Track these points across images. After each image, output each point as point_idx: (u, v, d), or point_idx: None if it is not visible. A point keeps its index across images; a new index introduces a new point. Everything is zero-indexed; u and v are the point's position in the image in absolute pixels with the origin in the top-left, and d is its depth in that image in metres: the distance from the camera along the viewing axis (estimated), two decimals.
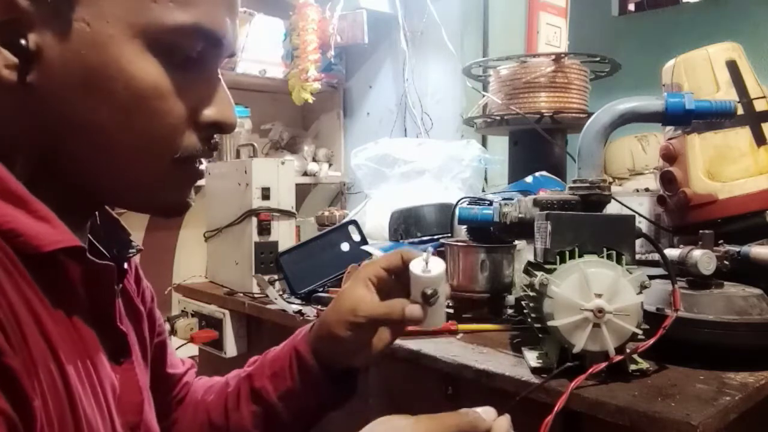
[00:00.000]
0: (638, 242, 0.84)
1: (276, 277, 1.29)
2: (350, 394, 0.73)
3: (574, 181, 0.83)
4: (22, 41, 0.44)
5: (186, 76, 0.49)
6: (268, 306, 1.22)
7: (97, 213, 0.59)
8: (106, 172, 0.50)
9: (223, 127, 0.52)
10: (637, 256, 0.83)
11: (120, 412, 0.54)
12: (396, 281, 0.68)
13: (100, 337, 0.53)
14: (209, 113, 0.51)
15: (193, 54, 0.49)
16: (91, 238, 0.57)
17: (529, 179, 1.33)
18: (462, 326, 0.97)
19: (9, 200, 0.45)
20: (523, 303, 0.87)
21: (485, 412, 0.55)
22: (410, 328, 0.73)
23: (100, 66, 0.46)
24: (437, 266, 0.66)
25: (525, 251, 1.06)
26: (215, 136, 0.53)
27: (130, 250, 0.61)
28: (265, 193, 1.35)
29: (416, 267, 0.66)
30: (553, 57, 1.43)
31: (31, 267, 0.45)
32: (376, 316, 0.67)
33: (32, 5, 0.44)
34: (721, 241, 0.87)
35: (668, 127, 1.08)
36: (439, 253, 1.16)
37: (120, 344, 0.56)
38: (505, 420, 0.56)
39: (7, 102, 0.46)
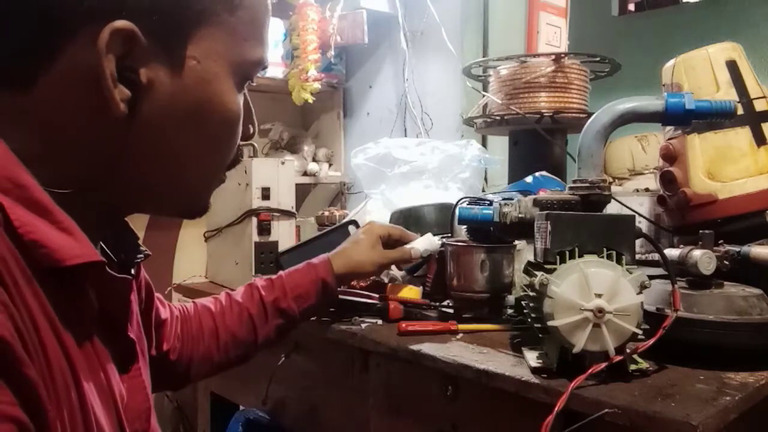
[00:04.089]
0: (638, 242, 0.84)
1: None
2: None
3: (574, 181, 0.83)
4: (134, 75, 0.47)
5: (242, 99, 0.55)
6: None
7: None
8: (168, 188, 0.53)
9: (251, 138, 0.60)
10: (637, 256, 0.83)
11: (129, 419, 0.54)
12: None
13: (111, 345, 0.53)
14: (248, 129, 0.58)
15: (252, 80, 0.56)
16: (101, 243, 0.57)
17: (529, 179, 1.33)
18: (462, 326, 0.97)
19: (33, 210, 0.44)
20: (523, 303, 0.87)
21: None
22: (410, 327, 0.95)
23: (206, 100, 0.50)
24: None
25: (525, 251, 1.06)
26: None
27: (138, 255, 0.61)
28: (265, 193, 1.35)
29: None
30: (553, 57, 1.43)
31: (51, 278, 0.44)
32: (395, 258, 1.03)
33: (149, 41, 0.46)
34: (721, 241, 0.87)
35: (668, 127, 1.08)
36: (439, 253, 1.16)
37: (128, 351, 0.57)
38: None
39: (104, 129, 0.47)
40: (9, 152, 0.45)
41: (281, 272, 0.96)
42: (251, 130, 0.60)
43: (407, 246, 1.05)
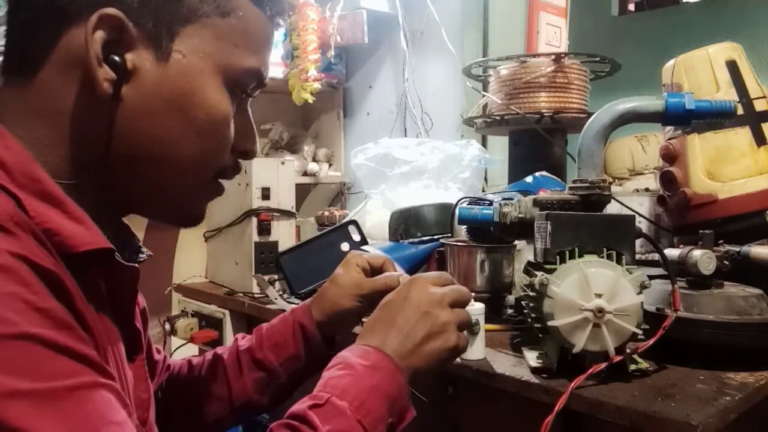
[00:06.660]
0: (638, 242, 0.84)
1: (276, 277, 1.29)
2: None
3: (574, 181, 0.83)
4: (120, 59, 0.50)
5: (236, 108, 0.58)
6: (268, 306, 1.22)
7: None
8: (155, 183, 0.55)
9: (251, 156, 0.62)
10: (637, 256, 0.83)
11: (135, 406, 0.57)
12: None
13: (120, 334, 0.55)
14: (245, 143, 0.60)
15: (248, 91, 0.59)
16: None
17: (529, 179, 1.33)
18: None
19: (47, 201, 0.48)
20: (523, 303, 0.87)
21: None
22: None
23: (188, 92, 0.53)
24: (478, 303, 0.80)
25: (525, 251, 1.06)
26: (239, 160, 0.61)
27: (141, 255, 0.64)
28: (265, 193, 1.35)
29: None
30: (553, 57, 1.43)
31: (65, 264, 0.47)
32: (378, 287, 0.79)
33: (138, 31, 0.51)
34: (721, 241, 0.87)
35: (668, 127, 1.08)
36: (439, 253, 1.16)
37: (134, 342, 0.59)
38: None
39: (94, 110, 0.51)
40: (23, 149, 0.49)
41: (265, 324, 0.86)
42: (248, 146, 0.61)
43: (395, 273, 0.83)
